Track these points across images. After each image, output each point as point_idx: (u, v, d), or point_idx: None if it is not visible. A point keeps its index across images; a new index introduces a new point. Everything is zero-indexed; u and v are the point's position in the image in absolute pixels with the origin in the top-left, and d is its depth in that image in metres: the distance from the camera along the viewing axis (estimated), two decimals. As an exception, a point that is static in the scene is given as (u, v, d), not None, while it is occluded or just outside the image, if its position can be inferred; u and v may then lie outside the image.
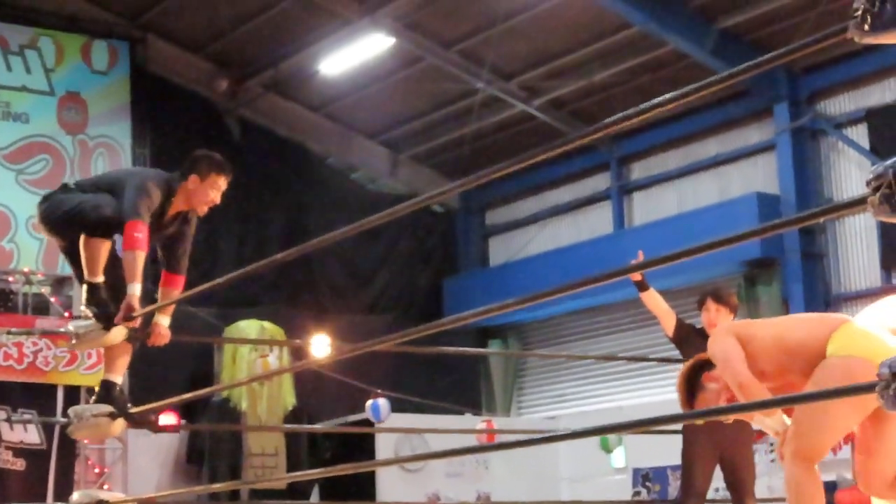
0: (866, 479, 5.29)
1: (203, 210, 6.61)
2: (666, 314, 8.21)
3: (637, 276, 7.96)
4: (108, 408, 6.71)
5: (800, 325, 5.33)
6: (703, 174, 16.83)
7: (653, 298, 8.17)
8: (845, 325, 5.16)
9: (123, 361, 6.69)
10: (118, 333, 6.49)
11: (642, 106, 3.64)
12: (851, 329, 5.16)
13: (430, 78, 17.42)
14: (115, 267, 6.44)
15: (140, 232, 6.28)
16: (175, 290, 6.76)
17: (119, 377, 6.64)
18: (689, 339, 8.12)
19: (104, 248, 6.34)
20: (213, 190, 6.58)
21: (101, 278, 6.35)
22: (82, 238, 6.32)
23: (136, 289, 6.30)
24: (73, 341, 6.48)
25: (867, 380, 4.93)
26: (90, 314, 6.37)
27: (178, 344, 15.96)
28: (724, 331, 5.51)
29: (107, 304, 6.36)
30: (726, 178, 16.43)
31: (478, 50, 16.73)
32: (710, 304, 8.06)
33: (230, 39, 17.62)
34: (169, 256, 6.76)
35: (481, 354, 18.82)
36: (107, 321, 6.36)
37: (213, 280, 6.60)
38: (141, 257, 6.29)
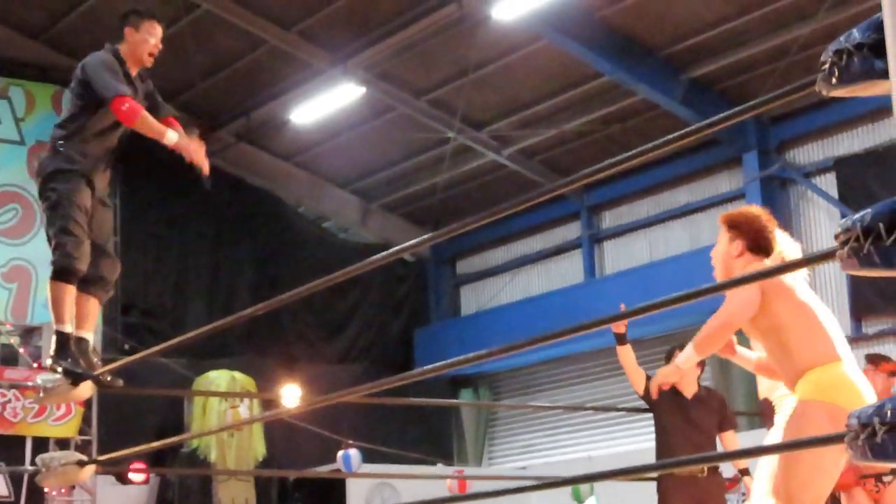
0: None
1: (150, 60, 6.70)
2: (636, 372, 8.16)
3: (621, 329, 7.92)
4: (76, 455, 6.66)
5: (813, 330, 5.21)
6: (674, 222, 16.90)
7: (627, 354, 8.13)
8: (834, 366, 5.13)
9: (90, 318, 6.58)
10: (86, 389, 6.44)
11: (615, 159, 3.65)
12: (837, 372, 5.14)
13: (402, 127, 17.46)
14: (94, 220, 6.49)
15: (125, 103, 6.45)
16: (178, 125, 7.03)
17: (84, 332, 6.48)
18: (661, 395, 8.09)
19: (70, 295, 6.31)
20: (150, 36, 6.68)
21: (69, 327, 6.31)
22: (49, 281, 6.32)
23: (171, 135, 6.75)
24: (41, 395, 6.42)
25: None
26: (58, 369, 6.31)
27: (146, 394, 15.87)
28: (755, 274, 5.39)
29: (76, 358, 6.30)
30: (697, 227, 16.49)
31: (449, 99, 16.78)
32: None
33: (201, 88, 17.62)
34: (155, 109, 6.92)
35: (452, 406, 18.77)
36: (74, 377, 6.30)
37: (184, 331, 6.57)
38: (147, 117, 6.61)
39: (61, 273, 6.27)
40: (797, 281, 5.34)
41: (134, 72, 6.69)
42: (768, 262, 5.40)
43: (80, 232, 6.31)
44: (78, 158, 6.44)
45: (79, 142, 6.49)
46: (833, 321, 5.30)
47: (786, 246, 5.82)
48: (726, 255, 5.51)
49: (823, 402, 5.00)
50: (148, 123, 6.56)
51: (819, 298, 5.40)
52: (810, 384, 5.08)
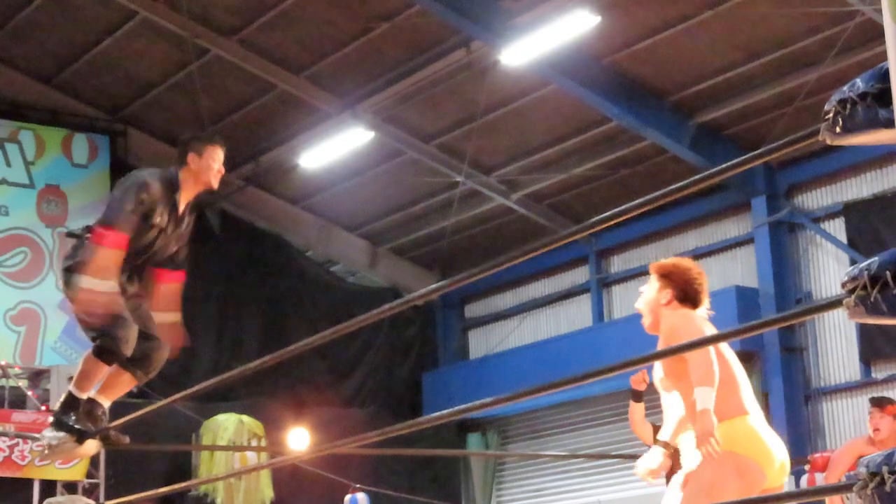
0: None
1: (216, 183, 6.72)
2: (643, 425, 8.26)
3: (642, 386, 8.02)
4: (83, 500, 6.67)
5: (726, 385, 5.32)
6: (684, 267, 16.84)
7: (639, 410, 8.23)
8: (741, 420, 5.27)
9: (117, 391, 6.53)
10: (91, 446, 6.44)
11: (624, 206, 3.67)
12: (745, 426, 5.30)
13: (410, 171, 17.51)
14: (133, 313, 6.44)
15: (106, 236, 6.32)
16: (180, 284, 6.87)
17: (103, 399, 6.41)
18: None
19: (102, 371, 6.27)
20: (214, 162, 6.71)
21: (85, 396, 6.28)
22: (88, 354, 6.26)
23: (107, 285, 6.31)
24: (46, 451, 6.41)
25: (754, 479, 5.14)
26: (62, 426, 6.28)
27: (155, 437, 15.88)
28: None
29: (81, 418, 6.29)
30: (705, 271, 16.34)
31: (457, 144, 16.82)
32: None
33: (211, 132, 17.68)
34: (178, 253, 6.89)
35: (459, 455, 18.73)
36: (79, 435, 6.29)
37: (192, 374, 6.59)
38: (110, 254, 6.31)
39: (103, 352, 6.22)
40: (710, 329, 5.55)
41: (186, 199, 6.66)
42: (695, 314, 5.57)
43: (126, 314, 6.26)
44: None
45: None
46: (743, 374, 5.52)
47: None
48: (654, 303, 5.71)
49: (731, 453, 5.18)
50: (102, 264, 6.29)
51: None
52: (726, 435, 5.21)
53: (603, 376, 3.54)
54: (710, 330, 5.52)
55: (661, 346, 5.55)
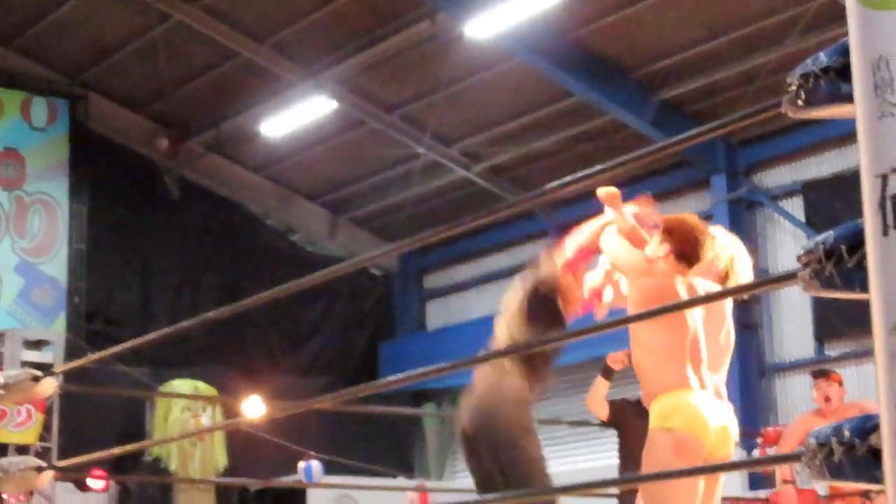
0: None
1: None
2: (601, 403, 8.21)
3: (618, 365, 7.91)
4: (34, 461, 6.61)
5: (670, 357, 5.27)
6: (641, 243, 16.91)
7: (602, 388, 8.17)
8: (677, 393, 5.22)
9: None
10: (48, 385, 6.39)
11: (581, 173, 3.67)
12: (679, 399, 5.23)
13: (372, 142, 17.47)
14: None
15: None
16: None
17: None
18: (625, 416, 8.11)
19: None
20: None
21: None
22: None
23: None
24: (2, 392, 6.36)
25: (695, 452, 5.07)
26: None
27: (108, 402, 15.82)
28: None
29: None
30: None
31: (420, 115, 16.81)
32: None
33: (172, 99, 17.61)
34: None
35: (415, 416, 18.76)
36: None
37: (148, 342, 6.51)
38: None
39: None
40: (681, 290, 5.38)
41: None
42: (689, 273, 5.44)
43: None
44: None
45: None
46: (701, 342, 5.35)
47: (738, 258, 5.83)
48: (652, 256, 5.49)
49: (664, 429, 5.14)
50: None
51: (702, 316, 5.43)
52: (654, 412, 5.23)
53: (560, 342, 3.55)
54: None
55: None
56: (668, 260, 5.40)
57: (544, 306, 6.06)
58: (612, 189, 5.82)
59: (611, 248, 5.65)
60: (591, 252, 6.00)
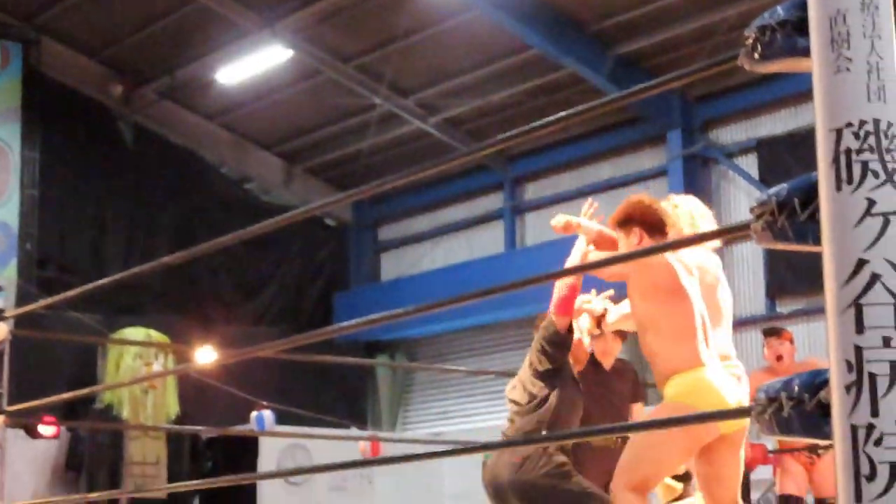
0: None
1: None
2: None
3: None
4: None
5: (681, 335, 5.33)
6: (596, 197, 16.76)
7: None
8: (694, 372, 5.26)
9: None
10: (0, 330, 6.35)
11: (535, 124, 3.65)
12: (697, 378, 5.28)
13: (328, 91, 17.39)
14: None
15: None
16: None
17: None
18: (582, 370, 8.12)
19: None
20: None
21: None
22: None
23: None
24: None
25: (706, 430, 5.17)
26: None
27: (60, 349, 15.75)
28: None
29: None
30: (619, 201, 16.41)
31: (376, 65, 16.73)
32: (608, 335, 8.01)
33: (127, 45, 17.44)
34: None
35: (368, 365, 18.78)
36: None
37: (100, 289, 6.46)
38: None
39: None
40: (682, 272, 5.43)
41: None
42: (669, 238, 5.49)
43: None
44: None
45: None
46: (705, 315, 5.44)
47: (696, 212, 5.88)
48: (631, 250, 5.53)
49: (683, 405, 5.17)
50: None
51: (700, 283, 5.51)
52: (672, 388, 5.28)
53: (514, 290, 3.55)
54: (681, 273, 5.43)
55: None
56: (646, 242, 5.45)
57: (555, 362, 6.14)
58: (560, 218, 5.90)
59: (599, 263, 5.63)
60: (578, 287, 6.06)
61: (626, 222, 5.57)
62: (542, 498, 6.03)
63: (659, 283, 5.34)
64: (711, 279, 5.61)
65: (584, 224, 5.82)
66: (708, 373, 5.27)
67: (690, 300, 5.35)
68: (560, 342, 6.10)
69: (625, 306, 5.91)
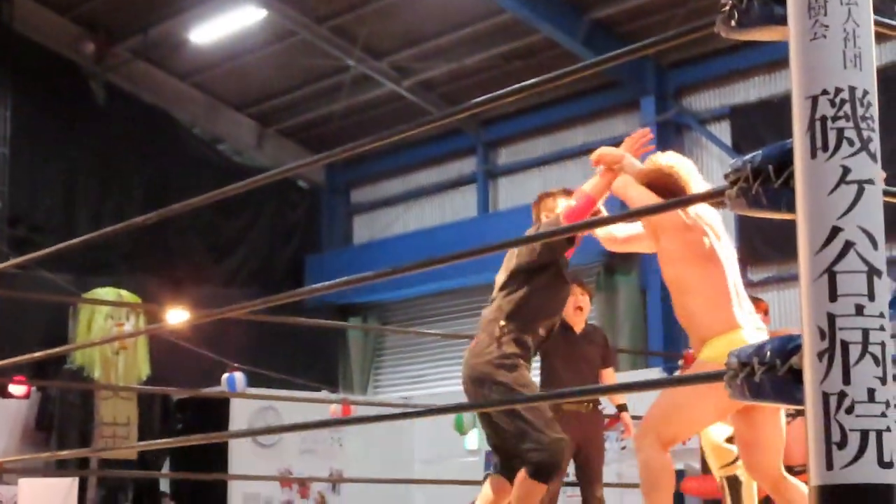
0: (757, 473, 5.42)
1: None
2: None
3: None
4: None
5: (718, 297, 5.31)
6: (570, 162, 16.98)
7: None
8: (733, 334, 5.24)
9: None
10: None
11: (509, 88, 3.65)
12: (736, 340, 5.25)
13: (301, 52, 17.31)
14: None
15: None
16: None
17: None
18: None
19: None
20: None
21: None
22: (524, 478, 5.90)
23: None
24: None
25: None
26: None
27: (31, 309, 15.67)
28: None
29: None
30: (591, 167, 16.54)
31: (350, 27, 16.66)
32: (576, 289, 8.04)
33: (100, 2, 17.32)
34: None
35: (339, 328, 18.80)
36: None
37: (70, 249, 6.43)
38: None
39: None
40: (713, 237, 5.42)
41: None
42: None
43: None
44: None
45: None
46: (738, 277, 5.43)
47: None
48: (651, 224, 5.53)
49: (715, 364, 5.12)
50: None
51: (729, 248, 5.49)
52: (711, 349, 5.22)
53: (486, 254, 3.55)
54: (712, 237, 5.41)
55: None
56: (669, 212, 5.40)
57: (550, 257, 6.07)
58: (604, 150, 5.85)
59: (645, 206, 5.52)
60: (596, 203, 6.01)
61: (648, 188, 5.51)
62: (479, 383, 6.01)
63: (691, 247, 5.35)
64: (726, 236, 5.59)
65: (627, 162, 5.73)
66: (745, 334, 5.22)
67: (723, 263, 5.35)
68: (553, 245, 6.05)
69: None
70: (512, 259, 6.21)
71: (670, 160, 5.61)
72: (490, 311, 6.17)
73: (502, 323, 6.01)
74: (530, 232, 6.21)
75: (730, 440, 5.72)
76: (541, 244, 5.97)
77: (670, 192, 5.41)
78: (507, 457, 6.06)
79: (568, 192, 6.44)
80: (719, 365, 5.02)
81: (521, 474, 5.80)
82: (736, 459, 5.66)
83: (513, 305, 6.06)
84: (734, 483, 5.66)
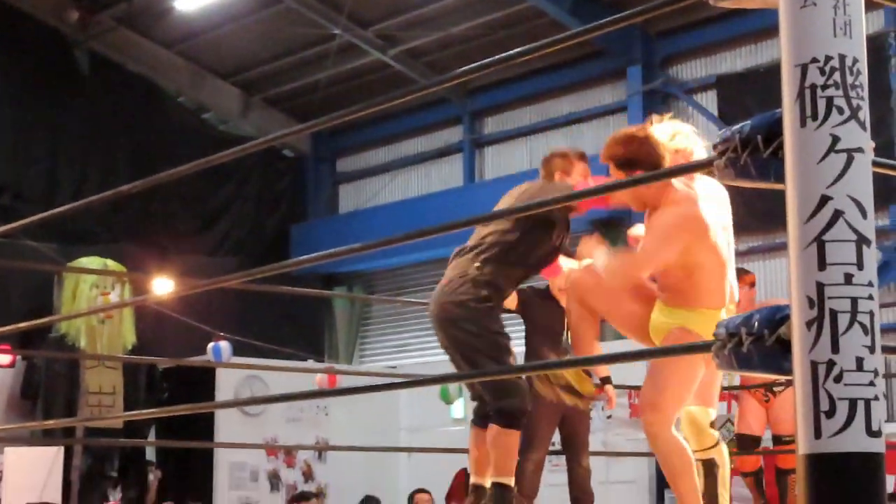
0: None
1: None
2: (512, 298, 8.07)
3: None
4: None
5: (716, 276, 5.38)
6: (556, 131, 16.97)
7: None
8: (719, 312, 5.32)
9: None
10: None
11: (496, 57, 3.63)
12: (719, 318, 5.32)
13: (287, 21, 17.24)
14: None
15: None
16: None
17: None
18: (533, 304, 8.13)
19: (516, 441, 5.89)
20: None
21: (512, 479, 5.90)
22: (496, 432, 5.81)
23: None
24: None
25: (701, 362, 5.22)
26: None
27: (15, 278, 15.62)
28: (684, 217, 5.34)
29: None
30: (578, 136, 16.57)
31: (336, -5, 16.62)
32: None
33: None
34: None
35: (325, 297, 18.78)
36: None
37: (53, 218, 6.39)
38: None
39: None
40: (710, 216, 5.43)
41: None
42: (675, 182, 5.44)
43: None
44: None
45: None
46: (731, 254, 5.51)
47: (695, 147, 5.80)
48: (637, 196, 5.53)
49: (699, 336, 5.22)
50: None
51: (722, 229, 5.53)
52: (697, 317, 5.31)
53: (473, 224, 3.54)
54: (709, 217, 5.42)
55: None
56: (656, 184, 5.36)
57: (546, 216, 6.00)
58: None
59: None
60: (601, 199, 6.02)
61: (628, 164, 5.40)
62: (447, 323, 5.92)
63: (693, 220, 5.33)
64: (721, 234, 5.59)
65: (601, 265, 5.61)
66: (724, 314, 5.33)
67: (717, 241, 5.38)
68: (548, 213, 5.95)
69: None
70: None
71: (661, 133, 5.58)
72: (465, 253, 6.05)
73: (478, 264, 5.92)
74: (536, 187, 6.18)
75: (712, 425, 5.75)
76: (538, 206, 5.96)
77: (654, 167, 5.34)
78: (480, 399, 6.05)
79: (582, 156, 6.41)
80: (700, 338, 5.14)
81: (492, 427, 5.79)
82: (716, 444, 5.69)
83: (496, 249, 5.99)
84: (710, 466, 5.68)
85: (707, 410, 5.69)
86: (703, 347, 2.80)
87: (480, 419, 6.04)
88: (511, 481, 5.80)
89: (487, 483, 5.94)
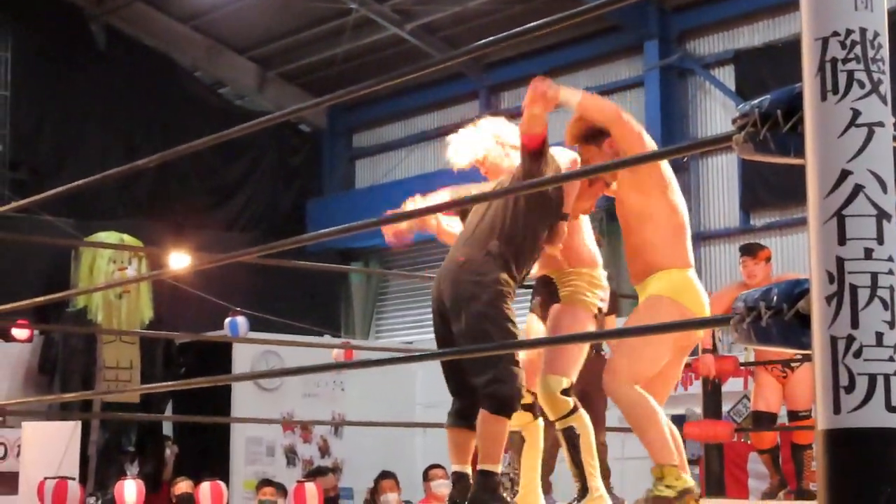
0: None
1: None
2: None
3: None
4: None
5: (677, 234, 5.48)
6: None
7: None
8: (685, 271, 5.47)
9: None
10: None
11: (511, 31, 3.62)
12: (687, 278, 5.49)
13: (303, -5, 17.22)
14: None
15: None
16: None
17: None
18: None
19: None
20: None
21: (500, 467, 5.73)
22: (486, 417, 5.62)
23: None
24: None
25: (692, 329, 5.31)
26: None
27: (32, 253, 15.66)
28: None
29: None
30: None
31: (352, -30, 16.58)
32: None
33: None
34: None
35: (341, 272, 18.78)
36: None
37: (74, 192, 6.40)
38: None
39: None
40: (673, 179, 5.60)
41: None
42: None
43: None
44: None
45: None
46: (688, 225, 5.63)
47: None
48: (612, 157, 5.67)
49: (674, 300, 5.36)
50: None
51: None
52: (663, 282, 5.42)
53: (488, 200, 3.53)
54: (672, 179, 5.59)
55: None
56: (616, 147, 5.65)
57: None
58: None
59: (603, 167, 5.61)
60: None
61: (595, 135, 5.84)
62: (462, 302, 5.68)
63: (655, 179, 5.50)
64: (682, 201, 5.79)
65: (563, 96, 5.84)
66: (693, 275, 5.51)
67: (679, 202, 5.55)
68: (548, 195, 5.93)
69: None
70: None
71: None
72: (482, 230, 5.90)
73: (496, 242, 5.79)
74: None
75: (566, 392, 5.71)
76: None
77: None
78: (463, 394, 5.86)
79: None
80: (673, 301, 5.20)
81: (483, 414, 5.67)
82: (573, 411, 5.67)
83: (512, 229, 5.88)
84: (571, 437, 5.67)
85: (560, 379, 5.67)
86: (720, 321, 2.79)
87: (459, 419, 5.85)
88: (498, 468, 5.68)
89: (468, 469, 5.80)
